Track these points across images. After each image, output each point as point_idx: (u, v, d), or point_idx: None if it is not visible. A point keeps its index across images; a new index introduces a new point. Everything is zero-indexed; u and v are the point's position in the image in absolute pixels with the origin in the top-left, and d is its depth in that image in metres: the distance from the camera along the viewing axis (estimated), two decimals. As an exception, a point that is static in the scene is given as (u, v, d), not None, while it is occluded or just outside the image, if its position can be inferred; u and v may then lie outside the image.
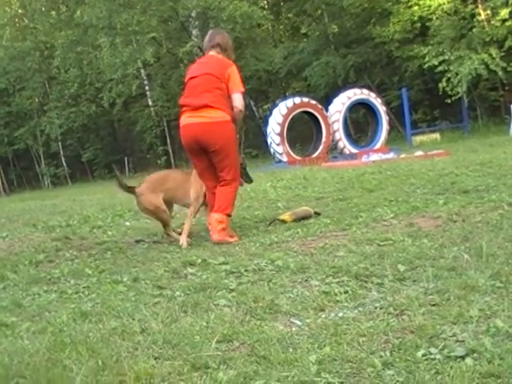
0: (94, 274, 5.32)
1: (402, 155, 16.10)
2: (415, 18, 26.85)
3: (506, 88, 26.53)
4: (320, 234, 5.89)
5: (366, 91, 21.89)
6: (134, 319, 3.70)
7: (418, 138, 24.68)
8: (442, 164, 11.17)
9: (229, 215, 6.50)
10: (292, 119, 20.78)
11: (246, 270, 4.66)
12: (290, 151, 20.63)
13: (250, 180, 7.14)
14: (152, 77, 36.15)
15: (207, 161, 6.49)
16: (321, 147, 20.57)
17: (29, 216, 11.46)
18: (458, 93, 23.86)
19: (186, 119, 6.49)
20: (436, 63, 24.46)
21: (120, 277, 5.02)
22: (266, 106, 36.61)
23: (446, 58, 24.28)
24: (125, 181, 6.97)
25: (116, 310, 3.96)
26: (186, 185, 6.81)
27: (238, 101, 6.49)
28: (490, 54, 23.62)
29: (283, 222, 6.91)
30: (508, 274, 3.67)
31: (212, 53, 6.68)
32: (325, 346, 2.95)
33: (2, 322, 3.99)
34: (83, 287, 4.86)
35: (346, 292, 3.79)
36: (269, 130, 20.88)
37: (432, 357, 2.69)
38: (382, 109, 21.41)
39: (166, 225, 6.79)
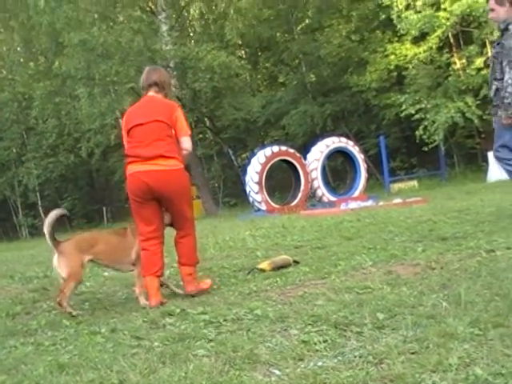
0: (71, 326, 5.29)
1: (381, 203, 16.16)
2: (392, 67, 27.13)
3: (482, 136, 26.75)
4: (299, 283, 5.90)
5: (343, 139, 21.95)
6: (111, 371, 3.67)
7: (396, 186, 24.84)
8: (420, 211, 11.22)
9: (197, 263, 6.40)
10: (270, 168, 20.80)
11: (224, 320, 4.64)
12: (269, 200, 20.61)
13: None
14: (130, 126, 36.08)
15: (154, 208, 6.12)
16: (299, 195, 20.58)
17: (6, 267, 11.37)
18: (434, 141, 24.05)
19: (136, 167, 6.06)
20: (413, 111, 24.65)
21: (98, 328, 4.98)
22: (244, 155, 36.67)
23: (423, 106, 24.51)
24: (54, 233, 5.98)
25: (94, 361, 3.92)
26: (125, 245, 6.24)
27: (187, 143, 6.30)
28: (466, 103, 23.85)
29: (262, 270, 6.89)
30: (486, 322, 3.68)
31: (151, 93, 6.38)
32: (304, 396, 2.93)
33: (-23, 375, 3.94)
34: (60, 339, 4.82)
35: (325, 341, 3.78)
36: (247, 178, 20.88)
37: (412, 406, 2.68)
38: (360, 157, 21.50)
39: (64, 290, 5.88)
